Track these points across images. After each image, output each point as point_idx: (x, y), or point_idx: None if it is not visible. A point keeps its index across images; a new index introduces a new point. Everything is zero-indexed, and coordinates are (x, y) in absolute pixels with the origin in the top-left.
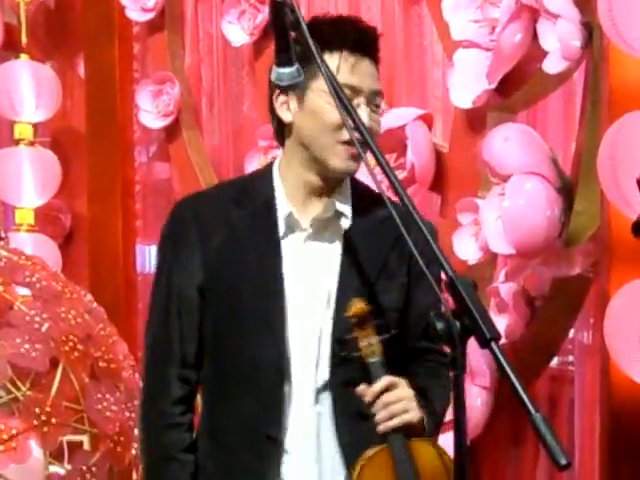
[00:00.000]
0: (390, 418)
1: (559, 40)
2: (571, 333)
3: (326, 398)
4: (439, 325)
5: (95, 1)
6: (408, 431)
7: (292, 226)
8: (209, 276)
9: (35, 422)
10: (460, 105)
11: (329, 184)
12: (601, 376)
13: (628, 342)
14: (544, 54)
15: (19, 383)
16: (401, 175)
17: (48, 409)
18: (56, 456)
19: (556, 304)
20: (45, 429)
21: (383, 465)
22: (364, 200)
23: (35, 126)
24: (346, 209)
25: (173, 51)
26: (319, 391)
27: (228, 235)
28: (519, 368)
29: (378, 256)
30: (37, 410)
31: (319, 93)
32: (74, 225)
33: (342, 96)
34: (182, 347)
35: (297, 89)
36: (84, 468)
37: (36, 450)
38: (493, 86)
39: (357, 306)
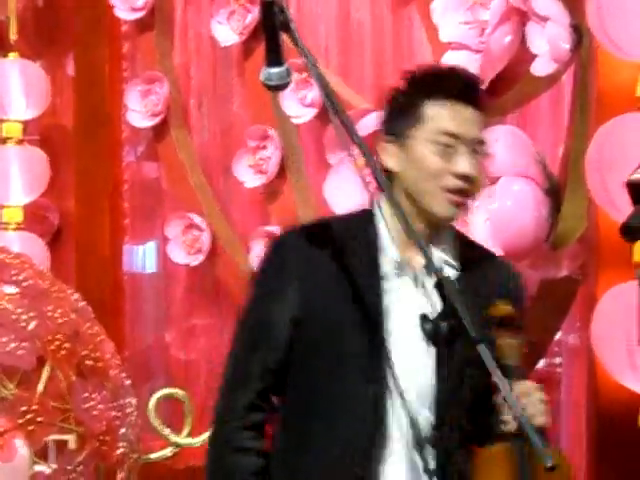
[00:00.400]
0: (539, 415)
1: (548, 42)
2: (558, 335)
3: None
4: (426, 326)
5: (84, 0)
6: (543, 434)
7: (396, 269)
8: (306, 308)
9: (20, 421)
10: None
11: (432, 231)
12: (588, 378)
13: (615, 344)
14: (533, 56)
15: (6, 381)
16: None
17: (34, 407)
18: (41, 455)
19: (543, 306)
20: (31, 428)
21: (505, 463)
22: (468, 250)
23: (24, 124)
24: (450, 258)
25: (162, 50)
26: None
27: (329, 271)
28: None
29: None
30: (23, 408)
31: (422, 141)
32: (62, 224)
33: (333, 98)
34: (263, 377)
35: (402, 138)
36: (69, 467)
37: (22, 449)
38: (482, 88)
39: (502, 307)
